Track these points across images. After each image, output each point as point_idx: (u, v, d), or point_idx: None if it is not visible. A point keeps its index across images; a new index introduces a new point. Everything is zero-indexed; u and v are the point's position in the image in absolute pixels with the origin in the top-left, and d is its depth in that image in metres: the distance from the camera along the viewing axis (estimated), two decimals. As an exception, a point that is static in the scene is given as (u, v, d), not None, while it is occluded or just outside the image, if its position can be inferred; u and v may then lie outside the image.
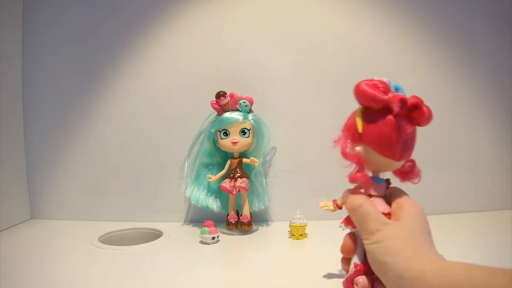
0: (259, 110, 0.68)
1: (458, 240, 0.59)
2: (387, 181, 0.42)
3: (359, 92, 0.38)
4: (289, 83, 0.72)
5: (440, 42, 0.72)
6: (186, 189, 0.70)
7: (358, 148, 0.39)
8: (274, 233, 0.67)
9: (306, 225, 0.62)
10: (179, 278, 0.48)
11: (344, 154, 0.39)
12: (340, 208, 0.43)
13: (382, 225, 0.36)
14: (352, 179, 0.39)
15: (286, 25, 0.72)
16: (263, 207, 0.68)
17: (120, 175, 0.75)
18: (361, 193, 0.41)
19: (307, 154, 0.72)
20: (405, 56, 0.72)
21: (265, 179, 0.71)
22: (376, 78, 0.38)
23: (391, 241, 0.34)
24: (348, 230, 0.42)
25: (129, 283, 0.47)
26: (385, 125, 0.37)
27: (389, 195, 0.41)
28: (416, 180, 0.43)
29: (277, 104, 0.72)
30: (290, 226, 0.62)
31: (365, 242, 0.37)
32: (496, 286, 0.27)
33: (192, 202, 0.69)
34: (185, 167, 0.70)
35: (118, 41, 0.74)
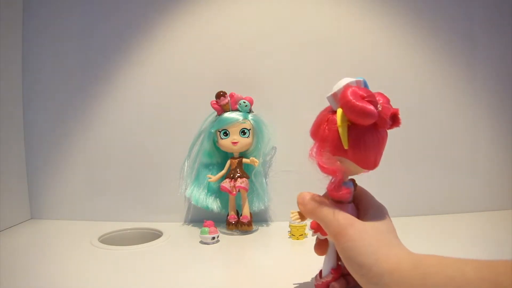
0: (259, 110, 0.68)
1: (458, 240, 0.59)
2: (354, 183, 0.41)
3: (356, 110, 0.34)
4: (289, 83, 0.72)
5: (441, 42, 0.72)
6: (186, 189, 0.70)
7: (338, 161, 0.36)
8: (274, 233, 0.67)
9: (306, 225, 0.62)
10: (179, 278, 0.48)
11: (322, 168, 0.37)
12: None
13: (350, 226, 0.35)
14: (338, 196, 0.38)
15: (287, 25, 0.72)
16: (263, 207, 0.68)
17: (120, 175, 0.75)
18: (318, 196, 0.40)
19: (307, 154, 0.72)
20: (405, 56, 0.72)
21: (265, 179, 0.71)
22: (351, 80, 0.36)
23: (366, 240, 0.34)
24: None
25: (129, 283, 0.47)
26: (373, 140, 0.35)
27: (355, 197, 0.40)
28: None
29: (277, 104, 0.72)
30: (290, 226, 0.62)
31: (337, 244, 0.35)
32: (465, 272, 0.28)
33: (192, 202, 0.69)
34: (185, 167, 0.70)
35: (118, 42, 0.74)
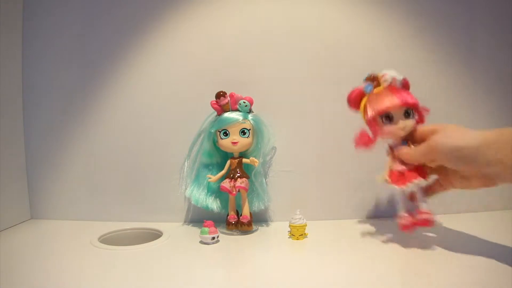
0: (259, 110, 0.68)
1: (458, 240, 0.59)
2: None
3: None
4: (289, 83, 0.72)
5: (442, 43, 0.72)
6: (186, 189, 0.70)
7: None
8: (274, 233, 0.67)
9: (306, 225, 0.62)
10: (179, 278, 0.48)
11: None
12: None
13: (435, 139, 0.51)
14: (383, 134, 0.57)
15: (286, 25, 0.72)
16: (263, 207, 0.68)
17: (120, 175, 0.75)
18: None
19: (307, 154, 0.72)
20: (405, 57, 0.72)
21: (265, 179, 0.71)
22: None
23: (456, 136, 0.48)
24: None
25: (129, 283, 0.47)
26: None
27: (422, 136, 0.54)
28: None
29: (277, 104, 0.72)
30: (290, 226, 0.62)
31: (444, 155, 0.49)
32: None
33: (192, 202, 0.69)
34: (185, 167, 0.70)
35: (118, 42, 0.74)
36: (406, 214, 0.55)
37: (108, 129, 0.75)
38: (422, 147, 0.52)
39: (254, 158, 0.66)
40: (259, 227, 0.69)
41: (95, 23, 0.74)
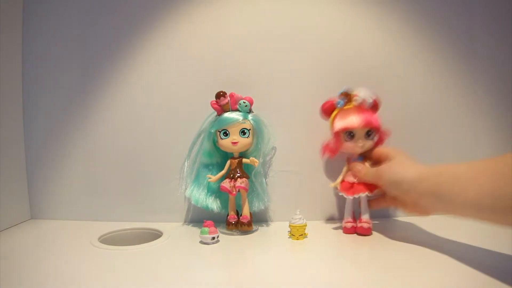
0: (259, 110, 0.68)
1: (458, 240, 0.59)
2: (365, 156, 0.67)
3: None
4: (289, 83, 0.72)
5: (442, 43, 0.72)
6: (186, 189, 0.70)
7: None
8: (274, 233, 0.67)
9: (306, 225, 0.62)
10: (179, 278, 0.48)
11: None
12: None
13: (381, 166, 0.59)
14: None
15: (286, 25, 0.72)
16: (263, 207, 0.68)
17: (120, 175, 0.75)
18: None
19: (307, 154, 0.72)
20: (405, 56, 0.72)
21: (265, 179, 0.71)
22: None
23: (396, 167, 0.57)
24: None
25: (129, 283, 0.47)
26: None
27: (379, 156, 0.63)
28: None
29: (277, 104, 0.72)
30: (290, 226, 0.62)
31: (380, 178, 0.58)
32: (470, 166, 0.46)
33: (192, 202, 0.69)
34: (185, 167, 0.70)
35: (118, 42, 0.74)
36: (350, 219, 0.64)
37: (108, 129, 0.75)
38: (371, 172, 0.60)
39: (254, 158, 0.66)
40: (259, 227, 0.69)
41: (95, 23, 0.74)
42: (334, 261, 0.53)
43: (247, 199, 0.66)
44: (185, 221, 0.73)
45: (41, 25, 0.75)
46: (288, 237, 0.63)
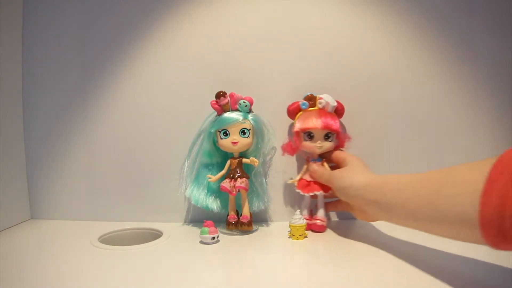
0: (259, 110, 0.68)
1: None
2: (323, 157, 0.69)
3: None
4: (289, 83, 0.72)
5: (442, 43, 0.72)
6: (186, 189, 0.70)
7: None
8: (274, 233, 0.67)
9: (306, 225, 0.62)
10: (179, 278, 0.48)
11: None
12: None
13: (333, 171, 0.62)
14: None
15: (287, 25, 0.72)
16: (263, 207, 0.68)
17: (120, 175, 0.75)
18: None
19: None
20: (405, 56, 0.72)
21: (265, 179, 0.71)
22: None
23: (346, 172, 0.59)
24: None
25: (129, 283, 0.47)
26: None
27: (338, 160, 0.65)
28: None
29: (277, 104, 0.72)
30: (290, 226, 0.62)
31: (332, 182, 0.61)
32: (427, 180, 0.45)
33: (192, 202, 0.69)
34: (185, 167, 0.70)
35: (118, 41, 0.74)
36: (306, 216, 0.67)
37: (108, 129, 0.75)
38: (325, 175, 0.63)
39: (254, 158, 0.66)
40: (259, 227, 0.69)
41: (95, 23, 0.74)
42: (334, 261, 0.53)
43: (247, 199, 0.66)
44: (185, 221, 0.73)
45: (41, 25, 0.75)
46: (288, 237, 0.63)
